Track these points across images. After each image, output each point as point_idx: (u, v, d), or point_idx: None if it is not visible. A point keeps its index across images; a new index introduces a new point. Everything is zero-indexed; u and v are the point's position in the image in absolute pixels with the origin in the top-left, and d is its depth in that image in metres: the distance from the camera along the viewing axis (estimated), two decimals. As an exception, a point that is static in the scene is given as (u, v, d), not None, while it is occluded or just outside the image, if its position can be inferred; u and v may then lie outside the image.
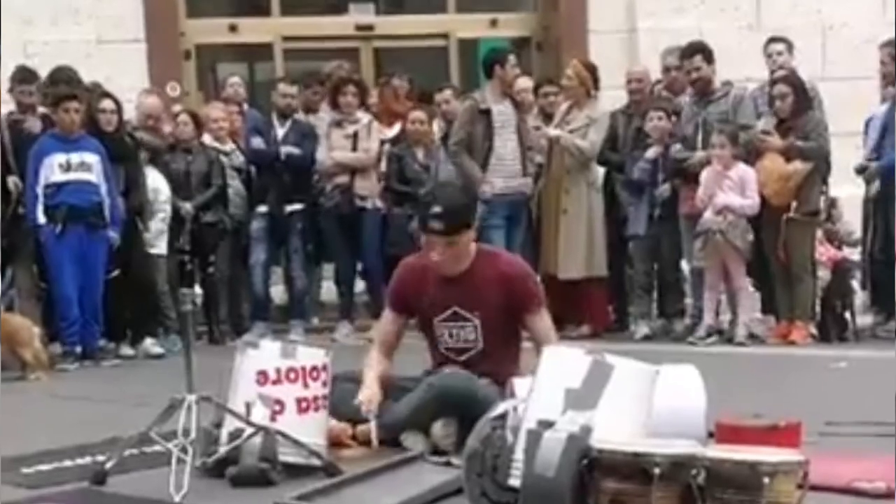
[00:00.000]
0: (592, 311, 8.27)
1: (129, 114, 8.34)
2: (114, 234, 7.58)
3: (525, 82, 8.75)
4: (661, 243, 8.10)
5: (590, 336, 7.84)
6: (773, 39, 8.40)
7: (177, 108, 9.30)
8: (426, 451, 4.05)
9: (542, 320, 4.41)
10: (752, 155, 7.58)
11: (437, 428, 4.13)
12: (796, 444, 3.72)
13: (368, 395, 4.28)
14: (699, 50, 7.86)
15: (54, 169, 7.38)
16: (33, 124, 7.75)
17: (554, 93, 8.60)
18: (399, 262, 4.78)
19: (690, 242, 7.85)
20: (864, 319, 8.01)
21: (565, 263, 8.03)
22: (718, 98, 7.82)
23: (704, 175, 7.55)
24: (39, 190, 7.38)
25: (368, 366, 4.45)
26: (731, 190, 7.48)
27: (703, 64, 7.79)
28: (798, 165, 7.44)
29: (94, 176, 7.47)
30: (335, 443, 4.21)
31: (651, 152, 7.99)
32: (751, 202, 7.48)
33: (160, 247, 8.10)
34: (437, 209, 4.32)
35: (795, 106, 7.50)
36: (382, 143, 8.69)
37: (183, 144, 8.39)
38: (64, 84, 7.99)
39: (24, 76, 7.90)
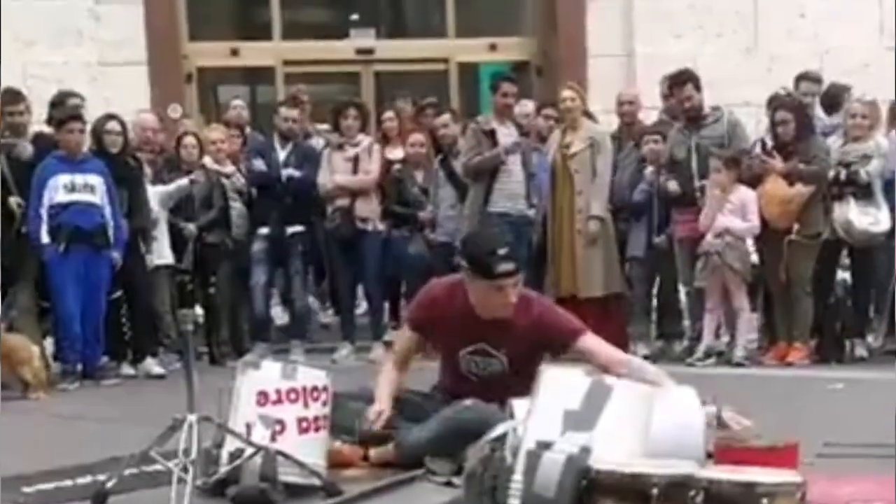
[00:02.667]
0: (608, 329, 8.28)
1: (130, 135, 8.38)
2: (116, 255, 7.61)
3: (527, 107, 8.81)
4: (660, 265, 8.13)
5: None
6: (806, 78, 8.51)
7: (186, 122, 9.34)
8: (452, 472, 4.01)
9: (593, 341, 4.33)
10: (753, 178, 7.63)
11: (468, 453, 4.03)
12: (794, 464, 3.73)
13: (378, 410, 4.29)
14: (690, 78, 7.94)
15: (59, 190, 7.41)
16: (24, 149, 7.72)
17: (556, 117, 8.65)
18: (423, 282, 4.76)
19: (686, 265, 7.89)
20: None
21: (586, 282, 8.04)
22: (711, 123, 7.88)
23: (707, 199, 7.60)
24: (44, 211, 7.40)
25: (381, 381, 4.45)
26: (731, 213, 7.53)
27: (694, 92, 7.87)
28: (800, 188, 7.47)
29: (99, 198, 7.50)
30: (344, 463, 4.22)
31: (648, 176, 8.04)
32: (750, 225, 7.52)
33: (164, 257, 8.15)
34: (503, 251, 4.22)
35: (797, 131, 7.55)
36: (391, 163, 8.74)
37: (185, 167, 8.42)
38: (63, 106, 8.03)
39: (12, 98, 7.90)
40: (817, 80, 8.66)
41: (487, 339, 4.36)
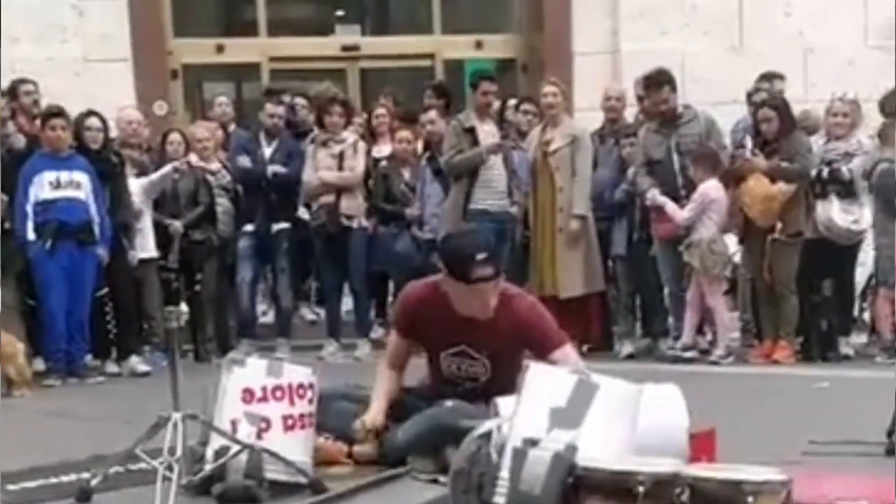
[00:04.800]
0: (589, 327, 8.31)
1: (114, 132, 8.35)
2: (103, 252, 7.60)
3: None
4: (643, 264, 8.14)
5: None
6: (772, 76, 8.51)
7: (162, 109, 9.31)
8: (434, 470, 4.01)
9: (570, 356, 4.27)
10: (732, 176, 7.66)
11: (450, 453, 3.92)
12: (711, 451, 3.77)
13: (371, 417, 4.27)
14: (667, 80, 7.91)
15: (44, 186, 7.42)
16: (16, 140, 7.76)
17: (534, 112, 8.65)
18: (391, 282, 4.76)
19: (666, 265, 7.91)
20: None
21: (565, 282, 8.05)
22: (687, 122, 7.87)
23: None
24: (29, 208, 7.41)
25: (377, 386, 4.42)
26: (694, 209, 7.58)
27: (671, 94, 7.86)
28: (783, 186, 7.50)
29: (84, 194, 7.51)
30: (329, 461, 4.22)
31: (630, 175, 8.05)
32: (681, 214, 7.53)
33: (149, 251, 8.12)
34: (482, 255, 4.13)
35: (780, 128, 7.57)
36: (377, 160, 8.74)
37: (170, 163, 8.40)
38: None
39: None
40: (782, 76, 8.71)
41: (468, 341, 4.33)
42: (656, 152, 7.88)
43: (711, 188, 7.57)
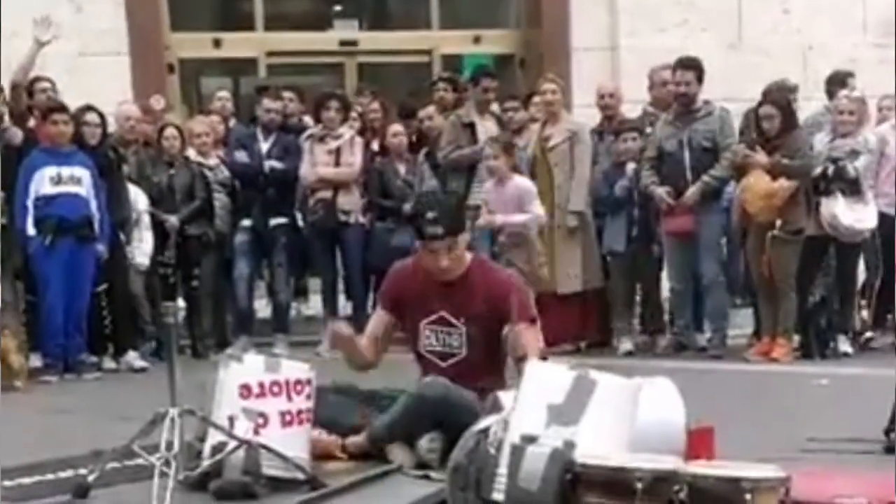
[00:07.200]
0: (588, 323, 8.30)
1: (111, 127, 8.33)
2: (102, 248, 7.59)
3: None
4: (640, 260, 8.13)
5: (572, 352, 7.86)
6: (845, 75, 8.53)
7: (168, 116, 9.29)
8: (411, 465, 4.04)
9: (529, 333, 4.28)
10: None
11: (424, 442, 4.13)
12: (710, 448, 3.76)
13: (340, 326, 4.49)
14: (694, 67, 7.88)
15: (45, 182, 7.42)
16: (14, 135, 7.74)
17: (515, 108, 8.62)
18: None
19: (673, 261, 7.89)
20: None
21: (563, 278, 8.05)
22: (703, 116, 7.84)
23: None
24: (30, 203, 7.41)
25: None
26: (508, 205, 7.52)
27: (693, 79, 7.82)
28: (784, 183, 7.49)
29: (85, 190, 7.51)
30: (324, 455, 4.22)
31: (629, 171, 8.03)
32: (528, 217, 7.51)
33: (141, 258, 8.11)
34: (432, 214, 4.32)
35: (782, 125, 7.56)
36: (375, 155, 8.73)
37: (166, 158, 8.39)
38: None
39: None
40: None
41: (447, 307, 4.41)
42: (668, 144, 7.85)
43: (526, 182, 7.59)
